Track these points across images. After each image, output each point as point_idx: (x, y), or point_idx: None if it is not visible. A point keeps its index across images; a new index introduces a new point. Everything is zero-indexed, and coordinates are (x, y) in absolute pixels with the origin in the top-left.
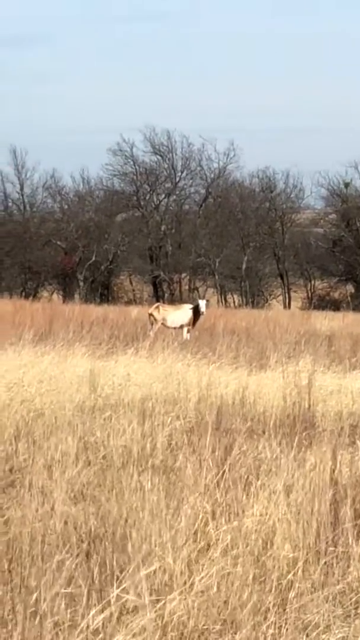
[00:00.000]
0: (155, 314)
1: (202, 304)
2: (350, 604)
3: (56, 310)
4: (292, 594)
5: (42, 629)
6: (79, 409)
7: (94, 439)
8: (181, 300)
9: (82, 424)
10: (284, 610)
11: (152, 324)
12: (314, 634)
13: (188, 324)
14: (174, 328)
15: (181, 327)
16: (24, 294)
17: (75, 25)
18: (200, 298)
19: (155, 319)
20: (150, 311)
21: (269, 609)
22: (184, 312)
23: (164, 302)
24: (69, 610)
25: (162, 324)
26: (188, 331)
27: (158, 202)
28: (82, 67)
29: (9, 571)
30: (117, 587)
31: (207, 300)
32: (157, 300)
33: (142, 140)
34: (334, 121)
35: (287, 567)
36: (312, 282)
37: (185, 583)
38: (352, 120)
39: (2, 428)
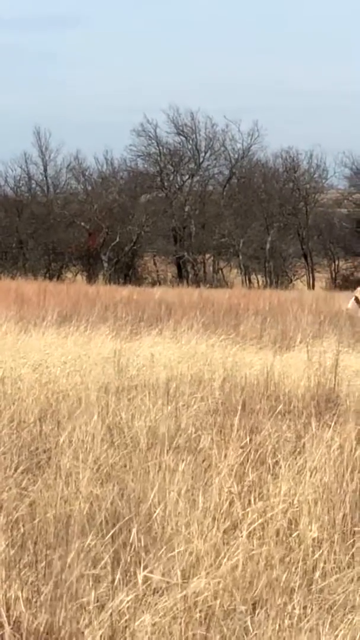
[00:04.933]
0: None
1: None
2: None
3: (80, 291)
4: (317, 574)
5: (67, 611)
6: (103, 390)
7: (118, 420)
8: (205, 281)
9: (107, 405)
10: (310, 590)
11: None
12: (340, 614)
13: None
14: None
15: None
16: (48, 275)
17: (99, 6)
18: None
19: None
20: (357, 294)
21: (294, 590)
22: None
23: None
24: (94, 592)
25: None
26: None
27: (182, 182)
28: (106, 48)
29: (35, 552)
30: (143, 568)
31: None
32: (181, 281)
33: (166, 121)
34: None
35: (312, 548)
36: (336, 262)
37: (211, 565)
38: None
39: (27, 409)
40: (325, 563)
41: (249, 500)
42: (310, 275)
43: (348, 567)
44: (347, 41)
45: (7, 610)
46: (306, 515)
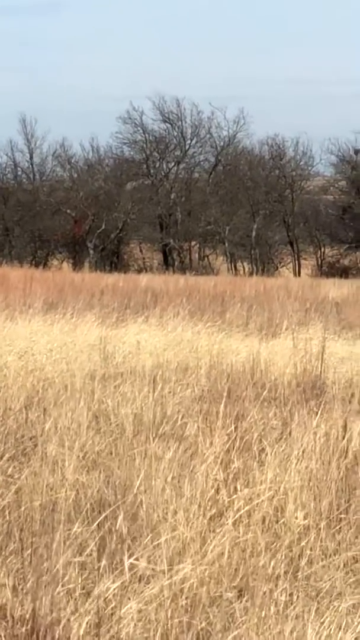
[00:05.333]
0: None
1: None
2: None
3: (66, 279)
4: (303, 562)
5: (53, 598)
6: (89, 377)
7: (104, 407)
8: (191, 268)
9: (93, 392)
10: (296, 577)
11: None
12: (326, 601)
13: None
14: None
15: None
16: (34, 262)
17: None
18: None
19: None
20: None
21: (280, 576)
22: None
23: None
24: (80, 579)
25: None
26: None
27: (168, 170)
28: (91, 35)
29: (20, 540)
30: (129, 556)
31: None
32: (167, 268)
33: (152, 109)
34: (344, 87)
35: (298, 535)
36: (322, 249)
37: (197, 552)
38: None
39: (12, 397)
40: (311, 550)
41: (235, 488)
42: (296, 262)
43: (334, 554)
44: (344, 37)
45: None
46: (292, 502)
